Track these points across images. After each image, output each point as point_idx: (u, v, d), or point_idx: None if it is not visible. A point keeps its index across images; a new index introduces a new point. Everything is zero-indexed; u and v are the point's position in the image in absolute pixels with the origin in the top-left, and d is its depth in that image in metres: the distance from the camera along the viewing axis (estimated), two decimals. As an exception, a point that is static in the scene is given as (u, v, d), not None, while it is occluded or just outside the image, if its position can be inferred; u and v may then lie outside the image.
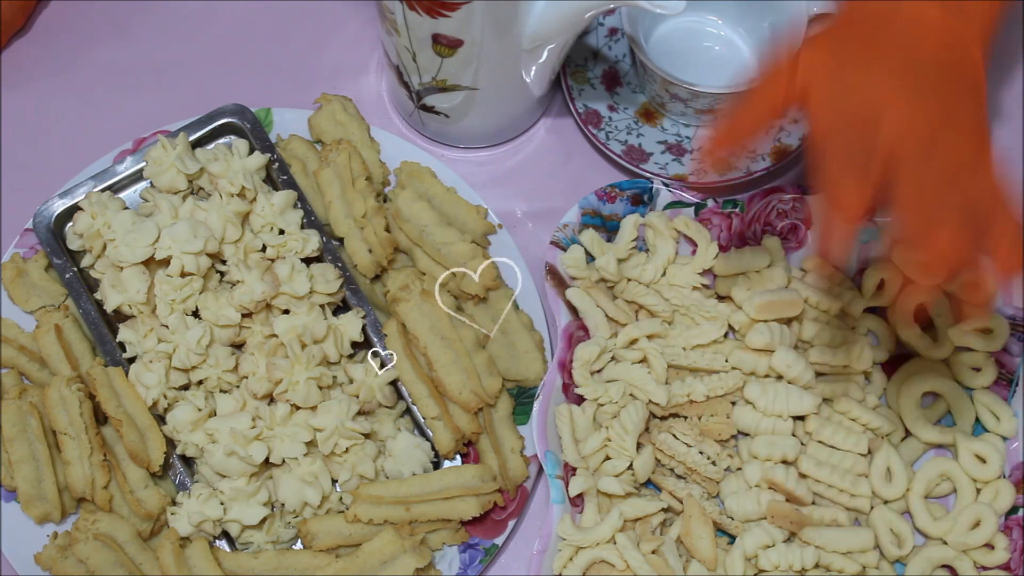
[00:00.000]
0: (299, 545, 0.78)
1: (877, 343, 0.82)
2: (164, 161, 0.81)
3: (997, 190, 0.62)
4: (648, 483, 0.79)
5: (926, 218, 0.60)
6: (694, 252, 0.83)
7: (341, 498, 0.77)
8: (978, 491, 0.77)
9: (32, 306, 0.82)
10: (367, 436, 0.77)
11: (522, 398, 0.81)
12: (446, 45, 0.77)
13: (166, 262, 0.78)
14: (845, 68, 0.63)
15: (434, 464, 0.79)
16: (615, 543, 0.73)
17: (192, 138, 0.84)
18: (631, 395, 0.78)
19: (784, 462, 0.76)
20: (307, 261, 0.81)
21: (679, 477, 0.78)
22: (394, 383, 0.79)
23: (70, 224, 0.83)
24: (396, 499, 0.75)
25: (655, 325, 0.79)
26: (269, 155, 0.84)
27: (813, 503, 0.77)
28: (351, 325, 0.79)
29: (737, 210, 0.83)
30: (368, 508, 0.75)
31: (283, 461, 0.76)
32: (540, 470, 0.79)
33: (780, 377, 0.78)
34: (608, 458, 0.77)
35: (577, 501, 0.75)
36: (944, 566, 0.76)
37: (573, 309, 0.80)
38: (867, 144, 0.61)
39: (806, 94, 0.63)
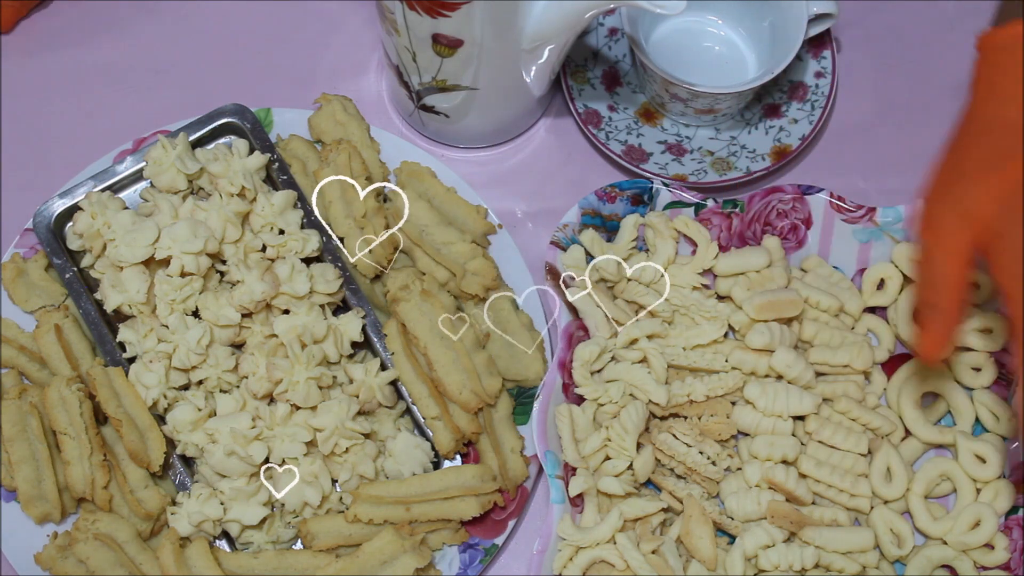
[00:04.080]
0: (299, 545, 0.78)
1: (877, 343, 0.82)
2: (164, 161, 0.81)
3: None
4: (648, 483, 0.79)
5: None
6: (694, 252, 0.83)
7: (341, 498, 0.77)
8: (978, 491, 0.77)
9: (32, 306, 0.82)
10: (367, 436, 0.77)
11: (522, 398, 0.81)
12: (446, 45, 0.77)
13: (166, 262, 0.78)
14: None
15: (434, 464, 0.79)
16: (615, 543, 0.73)
17: (192, 138, 0.84)
18: (631, 395, 0.78)
19: (784, 462, 0.76)
20: (307, 261, 0.81)
21: (679, 477, 0.78)
22: (394, 383, 0.79)
23: (70, 224, 0.83)
24: (396, 499, 0.75)
25: (655, 325, 0.79)
26: (269, 155, 0.84)
27: (813, 503, 0.77)
28: (351, 325, 0.79)
29: (737, 210, 0.82)
30: (368, 508, 0.75)
31: (283, 461, 0.76)
32: (540, 470, 0.79)
33: (780, 377, 0.78)
34: (608, 458, 0.77)
35: (577, 501, 0.75)
36: (944, 566, 0.76)
37: (573, 309, 0.80)
38: None
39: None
